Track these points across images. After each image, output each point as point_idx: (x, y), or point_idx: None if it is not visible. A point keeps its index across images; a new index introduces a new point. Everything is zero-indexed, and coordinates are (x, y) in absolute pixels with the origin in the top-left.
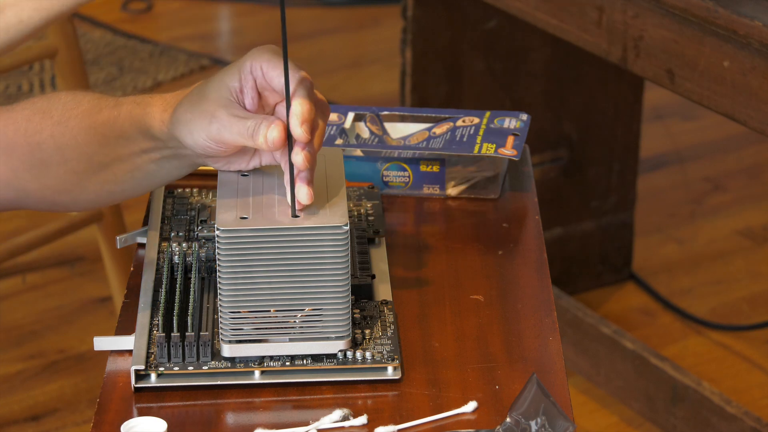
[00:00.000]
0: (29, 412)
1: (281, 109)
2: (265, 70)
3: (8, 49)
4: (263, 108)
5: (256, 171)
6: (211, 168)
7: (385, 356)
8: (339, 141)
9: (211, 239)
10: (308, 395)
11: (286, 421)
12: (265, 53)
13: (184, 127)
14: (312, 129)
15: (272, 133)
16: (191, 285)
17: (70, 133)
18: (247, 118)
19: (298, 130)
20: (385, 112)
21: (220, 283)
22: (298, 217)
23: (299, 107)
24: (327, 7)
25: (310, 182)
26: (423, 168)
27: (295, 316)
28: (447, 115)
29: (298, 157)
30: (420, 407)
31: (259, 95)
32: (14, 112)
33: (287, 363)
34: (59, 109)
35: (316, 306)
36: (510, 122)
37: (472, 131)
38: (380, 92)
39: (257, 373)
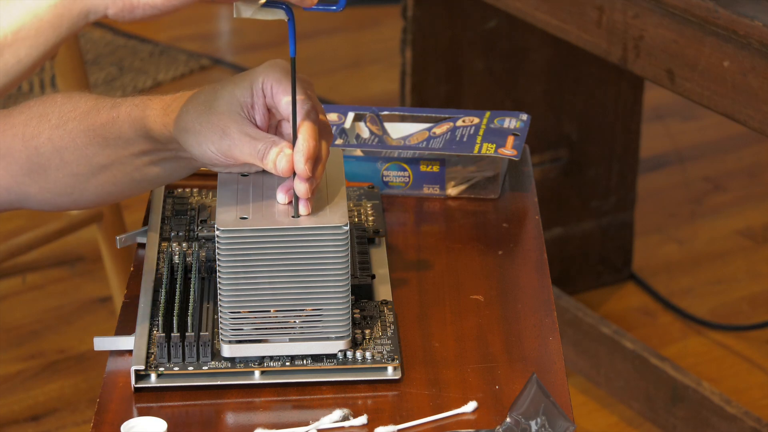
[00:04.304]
0: (29, 412)
1: (287, 127)
2: (274, 91)
3: (8, 89)
4: (269, 121)
5: (256, 171)
6: None
7: (385, 356)
8: (339, 141)
9: (211, 239)
10: (308, 395)
11: (286, 421)
12: (277, 72)
13: (192, 138)
14: (315, 166)
15: (281, 163)
16: (191, 285)
17: (68, 136)
18: (258, 139)
19: (302, 167)
20: (385, 112)
21: (220, 283)
22: (299, 217)
23: (305, 144)
24: None
25: (310, 199)
26: (423, 168)
27: (295, 316)
28: (447, 115)
29: (301, 186)
30: (420, 407)
31: (269, 110)
32: (11, 117)
33: (287, 363)
34: (56, 112)
35: (316, 306)
36: (510, 122)
37: (472, 131)
38: (380, 92)
39: (257, 373)
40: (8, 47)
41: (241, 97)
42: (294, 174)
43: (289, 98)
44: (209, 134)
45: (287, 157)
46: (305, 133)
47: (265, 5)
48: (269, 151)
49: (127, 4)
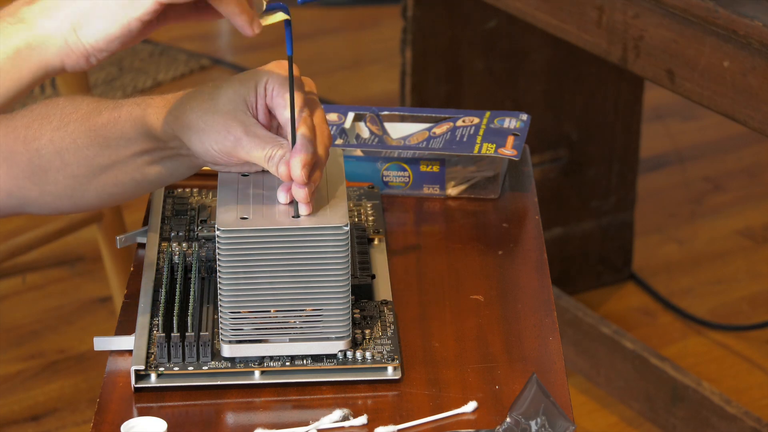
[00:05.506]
0: (29, 412)
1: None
2: (275, 94)
3: None
4: (272, 121)
5: (256, 171)
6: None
7: (385, 356)
8: (339, 141)
9: (211, 239)
10: (308, 395)
11: (286, 421)
12: (281, 76)
13: (195, 135)
14: (311, 172)
15: (282, 168)
16: (191, 285)
17: (69, 137)
18: (264, 140)
19: (298, 173)
20: (385, 112)
21: (220, 283)
22: (299, 217)
23: (302, 150)
24: (327, 7)
25: (310, 202)
26: (423, 168)
27: (295, 316)
28: (447, 115)
29: (299, 192)
30: (420, 407)
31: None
32: (14, 120)
33: (287, 363)
34: (58, 114)
35: (316, 306)
36: (510, 122)
37: (472, 131)
38: (380, 92)
39: (257, 373)
40: None
41: (246, 96)
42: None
43: (287, 102)
44: (213, 133)
45: (287, 162)
46: (303, 139)
47: (265, 11)
48: (275, 154)
49: (80, 55)
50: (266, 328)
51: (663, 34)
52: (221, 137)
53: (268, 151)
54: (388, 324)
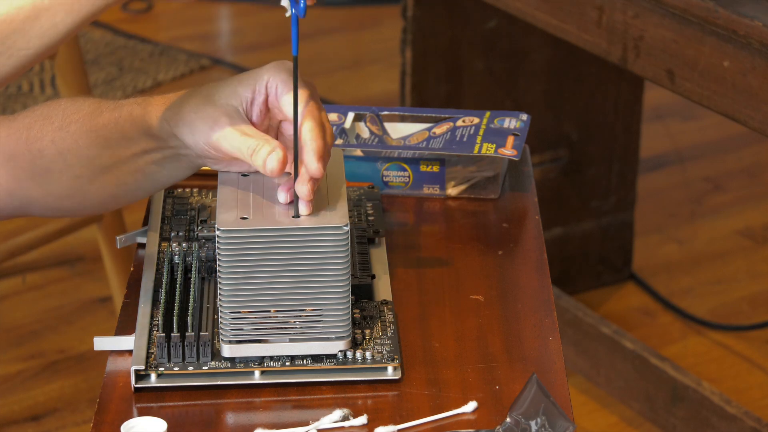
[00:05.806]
0: (29, 412)
1: (288, 128)
2: (279, 91)
3: (44, 55)
4: (268, 121)
5: (256, 171)
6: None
7: (385, 356)
8: (339, 141)
9: (211, 239)
10: (308, 395)
11: (286, 421)
12: (283, 73)
13: (187, 127)
14: (325, 164)
15: (272, 162)
16: (191, 285)
17: (71, 138)
18: (249, 135)
19: (314, 166)
20: (385, 112)
21: (220, 283)
22: (299, 217)
23: (314, 143)
24: (327, 7)
25: (311, 200)
26: (423, 168)
27: (295, 316)
28: (447, 115)
29: (302, 188)
30: (420, 407)
31: (267, 110)
32: (16, 122)
33: (287, 363)
34: (59, 114)
35: (316, 306)
36: (510, 122)
37: (472, 131)
38: (380, 92)
39: (257, 373)
40: (45, 11)
41: (243, 93)
42: (290, 174)
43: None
44: (201, 125)
45: (278, 157)
46: (313, 132)
47: None
48: (261, 149)
49: None
50: (266, 328)
51: (663, 34)
52: (207, 129)
53: (252, 144)
54: (388, 324)
